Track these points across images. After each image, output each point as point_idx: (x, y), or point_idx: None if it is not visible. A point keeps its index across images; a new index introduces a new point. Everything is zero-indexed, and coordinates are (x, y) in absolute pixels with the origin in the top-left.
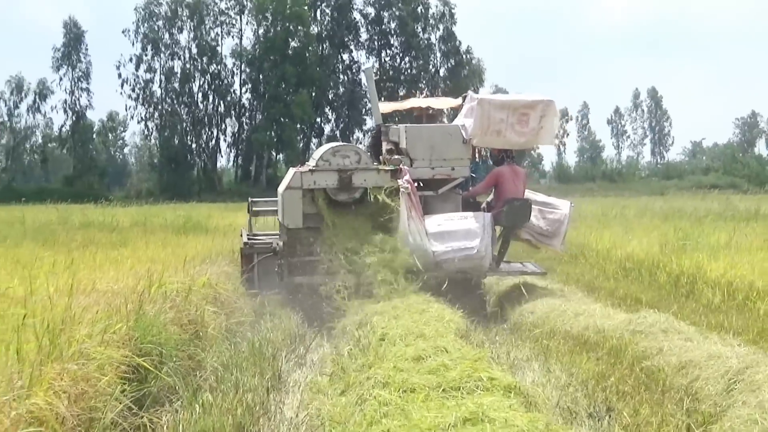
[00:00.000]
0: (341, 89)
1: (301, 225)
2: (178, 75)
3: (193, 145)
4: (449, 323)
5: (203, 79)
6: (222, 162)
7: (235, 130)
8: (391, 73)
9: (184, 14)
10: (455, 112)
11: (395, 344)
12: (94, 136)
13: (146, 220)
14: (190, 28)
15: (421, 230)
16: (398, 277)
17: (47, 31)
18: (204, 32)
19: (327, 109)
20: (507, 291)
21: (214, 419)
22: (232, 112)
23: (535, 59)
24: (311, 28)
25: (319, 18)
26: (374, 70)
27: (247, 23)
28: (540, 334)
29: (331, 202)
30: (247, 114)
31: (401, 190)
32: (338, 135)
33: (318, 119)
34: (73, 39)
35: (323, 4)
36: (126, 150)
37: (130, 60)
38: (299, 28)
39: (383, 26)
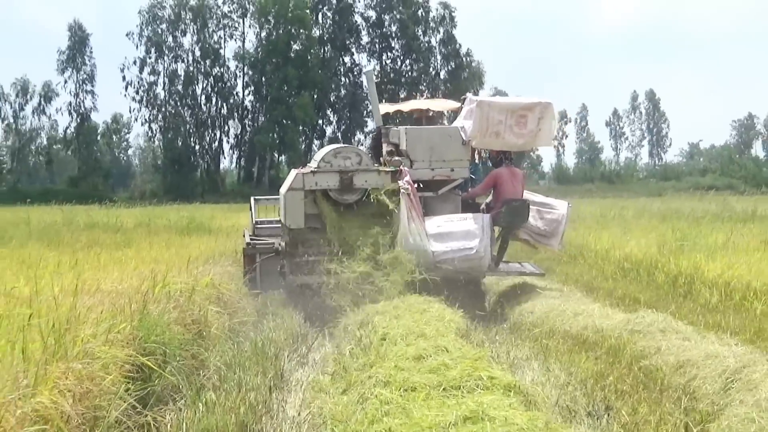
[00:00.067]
0: (343, 91)
1: (302, 225)
2: (182, 77)
3: (197, 147)
4: (450, 323)
5: (206, 81)
6: (225, 163)
7: (238, 131)
8: (392, 75)
9: (188, 17)
10: (455, 114)
11: (396, 344)
12: (99, 137)
13: (150, 221)
14: (193, 31)
15: (421, 231)
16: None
17: (52, 34)
18: (207, 35)
19: (329, 111)
20: (507, 291)
21: (217, 418)
22: (235, 114)
23: (535, 62)
24: (313, 31)
25: (320, 21)
26: (375, 73)
27: (249, 26)
28: (539, 334)
29: (332, 202)
30: (249, 116)
31: (401, 191)
32: (340, 137)
33: (320, 121)
34: (78, 42)
35: (325, 8)
36: (130, 152)
37: (134, 63)
38: (301, 31)
39: (384, 29)
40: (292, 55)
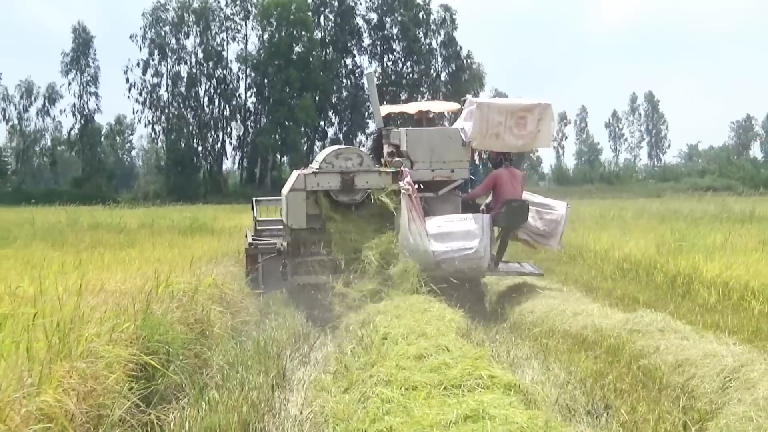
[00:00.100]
0: (344, 93)
1: (304, 226)
2: (185, 79)
3: (199, 148)
4: (450, 322)
5: (209, 83)
6: (227, 164)
7: (241, 133)
8: (393, 77)
9: (191, 20)
10: (455, 116)
11: (397, 343)
12: (103, 139)
13: (153, 221)
14: (196, 33)
15: (422, 231)
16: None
17: (56, 36)
18: (210, 37)
19: (330, 113)
20: (507, 291)
21: (220, 416)
22: (238, 115)
23: (535, 64)
24: (315, 34)
25: (322, 23)
26: (376, 75)
27: (252, 29)
28: (539, 333)
29: (333, 203)
30: (252, 117)
31: (402, 191)
32: (341, 138)
33: (321, 122)
34: (82, 44)
35: (327, 10)
36: (133, 153)
37: (138, 64)
38: (303, 33)
39: (385, 31)
40: (294, 57)
